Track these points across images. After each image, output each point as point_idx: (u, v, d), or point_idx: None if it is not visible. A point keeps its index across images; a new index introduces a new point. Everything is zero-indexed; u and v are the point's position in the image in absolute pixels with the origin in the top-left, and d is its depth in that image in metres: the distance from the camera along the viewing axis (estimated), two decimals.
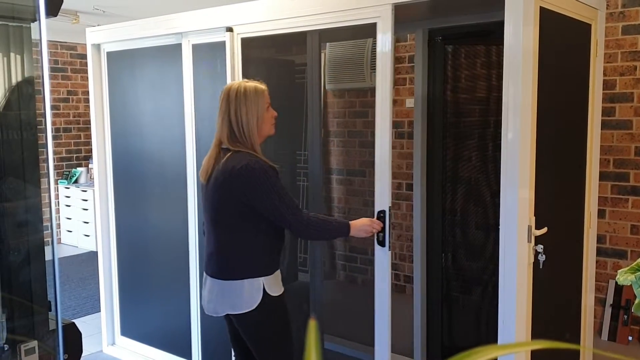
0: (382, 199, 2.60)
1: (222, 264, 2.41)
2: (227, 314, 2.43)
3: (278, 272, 2.48)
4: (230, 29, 3.03)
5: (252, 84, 2.42)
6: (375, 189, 2.63)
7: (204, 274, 2.50)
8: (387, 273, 2.62)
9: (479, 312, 3.48)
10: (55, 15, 1.92)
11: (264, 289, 2.36)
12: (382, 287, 2.64)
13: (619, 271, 1.18)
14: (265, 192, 2.32)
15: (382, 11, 2.54)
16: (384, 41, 2.56)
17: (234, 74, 3.06)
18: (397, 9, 2.52)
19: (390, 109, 2.56)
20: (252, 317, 2.36)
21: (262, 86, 2.43)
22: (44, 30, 1.73)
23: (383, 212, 2.60)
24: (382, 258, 2.62)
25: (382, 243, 2.61)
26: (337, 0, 2.66)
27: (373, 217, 2.61)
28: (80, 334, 2.06)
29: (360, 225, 2.53)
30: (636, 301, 1.13)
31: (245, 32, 3.01)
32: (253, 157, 2.34)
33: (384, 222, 2.60)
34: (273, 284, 2.42)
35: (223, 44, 3.09)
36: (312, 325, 0.52)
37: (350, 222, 2.51)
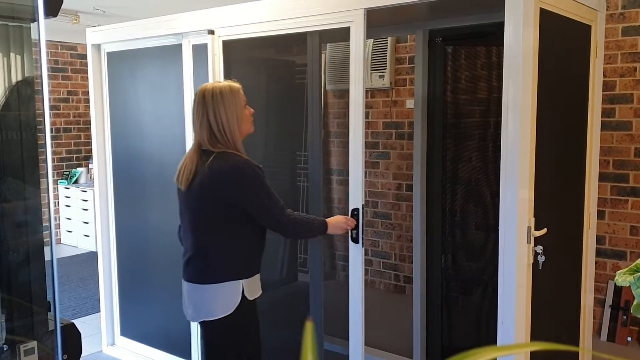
0: (355, 197, 2.69)
1: (202, 268, 2.37)
2: (195, 321, 2.42)
3: (258, 275, 2.47)
4: (211, 32, 3.10)
5: (225, 83, 2.41)
6: (349, 188, 2.72)
7: (183, 280, 2.47)
8: (360, 269, 2.71)
9: (479, 312, 3.48)
10: (55, 16, 1.92)
11: (242, 292, 2.36)
12: (355, 282, 2.74)
13: (618, 272, 1.18)
14: (256, 192, 2.32)
15: (355, 15, 2.61)
16: (357, 45, 2.63)
17: (215, 77, 3.12)
18: (396, 10, 2.53)
19: (363, 110, 2.66)
20: (226, 322, 2.34)
21: (236, 84, 2.42)
22: (42, 30, 1.73)
23: (357, 209, 2.66)
24: (356, 254, 2.71)
25: (355, 240, 2.69)
26: (312, 5, 2.74)
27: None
28: (79, 334, 2.06)
29: (336, 223, 2.60)
30: (635, 302, 1.13)
31: (227, 34, 3.09)
32: (239, 158, 2.33)
33: (357, 220, 2.66)
34: (252, 287, 2.42)
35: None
36: (309, 327, 0.52)
37: (327, 220, 2.57)
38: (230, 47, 3.16)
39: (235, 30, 3.06)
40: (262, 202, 2.33)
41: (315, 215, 2.62)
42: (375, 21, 3.42)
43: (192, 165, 2.36)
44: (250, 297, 2.40)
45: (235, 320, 2.35)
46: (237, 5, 3.04)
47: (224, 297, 2.33)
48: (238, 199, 2.32)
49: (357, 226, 2.67)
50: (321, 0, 2.72)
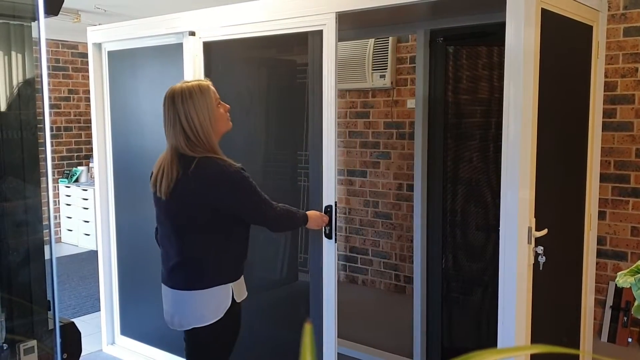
0: (329, 195, 2.80)
1: (191, 275, 2.31)
2: (183, 329, 2.38)
3: (242, 278, 2.46)
4: (192, 33, 3.19)
5: (194, 83, 2.33)
6: (322, 185, 2.82)
7: (163, 286, 2.41)
8: (334, 264, 2.84)
9: (479, 313, 3.47)
10: (56, 14, 1.92)
11: (232, 295, 2.34)
12: (329, 277, 2.85)
13: (619, 274, 1.18)
14: (247, 195, 2.30)
15: (327, 19, 2.70)
16: (329, 47, 2.72)
17: (195, 77, 3.16)
18: (397, 10, 2.52)
19: (335, 111, 2.77)
20: (214, 327, 2.30)
21: (205, 83, 2.34)
22: (43, 29, 1.73)
23: (330, 206, 2.77)
24: (330, 250, 2.83)
25: (329, 236, 2.80)
26: (287, 8, 2.84)
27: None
28: (79, 333, 2.06)
29: (315, 217, 2.66)
30: (636, 303, 1.13)
31: (207, 36, 3.18)
32: (223, 162, 2.28)
33: (330, 217, 2.76)
34: (240, 289, 2.41)
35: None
36: (307, 329, 0.52)
37: (307, 213, 2.62)
38: (218, 48, 3.19)
39: (215, 32, 3.14)
40: (253, 203, 2.33)
41: (297, 208, 2.65)
42: (376, 21, 3.42)
43: (172, 172, 2.26)
44: (238, 300, 2.38)
45: (225, 323, 2.32)
46: (218, 8, 3.12)
47: (216, 302, 2.29)
48: (228, 204, 2.29)
49: (330, 222, 2.76)
50: (295, 3, 2.81)
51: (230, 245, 2.35)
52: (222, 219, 2.31)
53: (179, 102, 2.26)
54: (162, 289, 2.42)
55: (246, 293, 2.48)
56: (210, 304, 2.29)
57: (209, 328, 2.30)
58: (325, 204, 2.80)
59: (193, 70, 3.20)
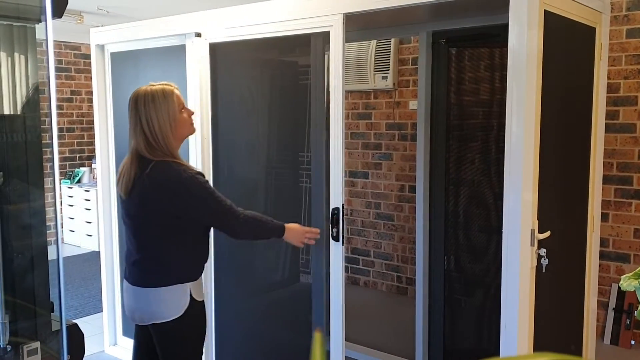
0: (336, 197, 2.76)
1: (147, 273, 2.35)
2: (144, 324, 2.40)
3: (201, 278, 2.46)
4: (198, 34, 3.18)
5: (159, 87, 2.33)
6: (330, 188, 2.77)
7: (125, 281, 2.44)
8: (341, 267, 2.78)
9: (481, 315, 3.47)
10: (60, 17, 1.93)
11: (190, 293, 2.34)
12: (336, 280, 2.81)
13: (623, 277, 1.18)
14: (202, 200, 2.29)
15: (335, 20, 2.68)
16: (337, 48, 2.69)
17: (201, 80, 3.18)
18: (399, 13, 2.52)
19: (342, 111, 2.72)
20: (177, 324, 2.31)
21: (170, 87, 2.35)
22: (50, 32, 1.73)
23: (337, 209, 2.72)
24: (336, 252, 2.78)
25: (336, 238, 2.76)
26: (294, 9, 2.83)
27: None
28: (82, 334, 2.07)
29: (295, 231, 2.56)
30: (639, 306, 1.13)
31: (213, 38, 3.16)
32: (180, 167, 2.28)
33: (337, 219, 2.70)
34: (198, 289, 2.40)
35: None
36: (318, 338, 0.52)
37: (286, 225, 2.53)
38: (223, 50, 3.19)
39: (221, 34, 3.13)
40: (210, 208, 2.31)
41: (272, 219, 2.55)
42: (379, 22, 3.42)
43: (130, 172, 2.29)
44: (198, 298, 2.38)
45: (187, 321, 2.33)
46: (224, 9, 3.10)
47: (174, 300, 2.30)
48: (182, 208, 2.28)
49: (337, 225, 2.71)
50: (303, 5, 2.79)
51: (188, 246, 2.35)
52: (180, 224, 2.32)
53: (141, 105, 2.30)
54: (123, 284, 2.46)
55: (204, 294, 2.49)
56: (168, 302, 2.31)
57: (171, 325, 2.31)
58: (332, 206, 2.76)
59: (199, 71, 3.19)
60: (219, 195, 2.33)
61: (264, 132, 3.46)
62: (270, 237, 2.54)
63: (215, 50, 3.24)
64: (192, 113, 2.43)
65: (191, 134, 2.45)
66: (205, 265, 2.49)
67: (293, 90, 3.49)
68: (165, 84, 2.36)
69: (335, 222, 2.76)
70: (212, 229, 2.51)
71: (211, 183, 3.22)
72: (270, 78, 3.51)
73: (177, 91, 2.36)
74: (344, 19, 2.67)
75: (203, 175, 2.34)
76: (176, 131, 2.33)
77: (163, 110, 2.29)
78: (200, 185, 2.28)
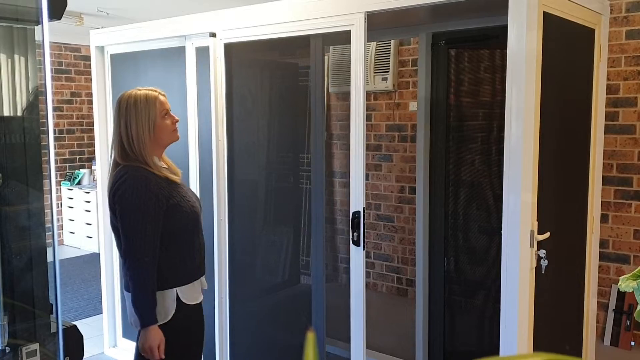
0: (357, 201, 2.70)
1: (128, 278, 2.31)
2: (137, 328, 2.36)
3: (198, 282, 2.41)
4: (213, 35, 3.12)
5: (143, 92, 2.31)
6: (350, 191, 2.72)
7: None
8: (362, 271, 2.72)
9: (481, 316, 3.47)
10: (60, 19, 1.92)
11: (178, 298, 2.29)
12: (357, 285, 2.74)
13: (621, 278, 1.18)
14: (123, 213, 2.22)
15: (356, 19, 2.63)
16: (358, 48, 2.65)
17: (216, 80, 3.13)
18: (399, 14, 2.52)
19: (364, 113, 2.66)
20: (167, 329, 2.27)
21: (154, 93, 2.32)
22: (47, 34, 1.73)
23: (358, 212, 2.67)
24: (357, 257, 2.72)
25: (357, 243, 2.70)
26: (313, 8, 2.76)
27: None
28: (81, 336, 2.06)
29: (151, 337, 2.21)
30: (638, 308, 1.13)
31: (229, 37, 3.10)
32: (136, 172, 2.24)
33: (358, 223, 2.65)
34: (189, 293, 2.34)
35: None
36: (310, 338, 0.52)
37: (151, 327, 2.21)
38: (233, 50, 3.17)
39: (237, 33, 3.08)
40: (122, 225, 2.22)
41: (154, 309, 2.26)
42: (379, 24, 3.42)
43: (109, 178, 2.34)
44: (189, 302, 2.32)
45: (177, 326, 2.28)
46: (240, 8, 3.05)
47: (159, 305, 2.25)
48: (117, 213, 2.24)
49: (358, 229, 2.66)
50: (323, 4, 2.73)
51: (166, 251, 2.28)
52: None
53: (123, 108, 2.29)
54: None
55: (201, 297, 2.42)
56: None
57: (163, 329, 2.27)
58: (353, 209, 2.71)
59: (214, 72, 3.14)
60: (145, 227, 2.20)
61: (271, 132, 3.45)
62: (137, 310, 2.23)
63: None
64: (177, 120, 2.39)
65: (173, 141, 2.40)
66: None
67: (294, 91, 3.50)
68: (151, 89, 2.34)
69: (356, 226, 2.68)
70: (192, 229, 2.41)
71: (225, 186, 3.21)
72: (271, 78, 3.51)
73: (161, 97, 2.34)
74: (365, 18, 2.60)
75: (157, 196, 2.24)
76: (155, 136, 2.30)
77: (143, 114, 2.27)
78: (130, 198, 2.20)
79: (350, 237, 2.70)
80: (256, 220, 3.43)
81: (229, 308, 3.30)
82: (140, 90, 2.32)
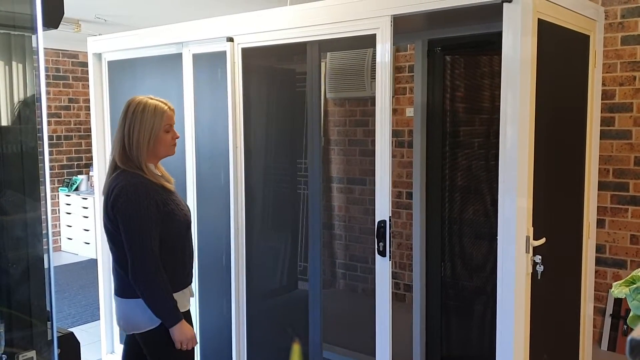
0: (382, 209, 2.59)
1: (119, 283, 2.35)
2: (127, 332, 2.41)
3: (187, 290, 2.42)
4: (230, 39, 3.05)
5: (153, 101, 2.35)
6: (375, 199, 2.61)
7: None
8: (388, 282, 2.61)
9: (478, 321, 3.47)
10: (56, 27, 1.93)
11: None
12: (382, 297, 2.64)
13: (614, 284, 1.19)
14: (125, 220, 2.23)
15: (382, 22, 2.54)
16: (384, 52, 2.56)
17: (234, 84, 3.07)
18: (396, 21, 2.54)
19: (390, 118, 2.56)
20: (156, 335, 2.30)
21: (164, 106, 2.36)
22: (41, 44, 1.74)
23: (384, 222, 2.57)
24: (383, 268, 2.61)
25: (382, 253, 2.59)
26: (337, 11, 2.68)
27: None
28: (78, 343, 2.06)
29: (185, 332, 2.29)
30: (631, 314, 1.14)
31: (246, 42, 3.03)
32: (133, 179, 2.27)
33: (384, 233, 2.56)
34: (179, 300, 2.35)
35: (224, 53, 3.11)
36: (296, 350, 0.52)
37: (182, 321, 2.29)
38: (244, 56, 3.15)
39: (254, 38, 3.00)
40: (127, 233, 2.23)
41: (175, 305, 2.31)
42: None
43: (106, 182, 2.36)
44: (180, 309, 2.32)
45: (168, 332, 2.29)
46: (258, 12, 2.98)
47: (145, 311, 2.27)
48: (117, 221, 2.25)
49: (384, 239, 2.57)
50: (347, 6, 2.65)
51: (159, 258, 2.28)
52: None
53: (130, 112, 2.33)
54: None
55: (188, 306, 2.43)
56: (140, 314, 2.29)
57: (151, 334, 2.30)
58: (378, 219, 2.60)
59: (231, 77, 3.08)
60: (148, 230, 2.23)
61: (268, 137, 3.46)
62: (160, 315, 2.28)
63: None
64: (177, 137, 2.43)
65: (169, 155, 2.43)
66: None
67: (291, 96, 3.51)
68: (162, 101, 2.38)
69: (381, 236, 2.59)
70: (184, 237, 2.42)
71: (242, 194, 3.13)
72: (270, 84, 3.53)
73: (169, 112, 2.38)
74: (391, 21, 2.52)
75: (156, 202, 2.27)
76: (153, 147, 2.34)
77: (148, 123, 2.31)
78: (133, 204, 2.22)
79: (376, 247, 2.60)
80: (264, 227, 3.43)
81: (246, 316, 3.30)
82: (152, 99, 2.37)
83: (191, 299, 2.51)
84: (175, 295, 2.33)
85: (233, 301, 3.21)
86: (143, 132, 2.31)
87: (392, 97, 2.62)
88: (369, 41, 2.62)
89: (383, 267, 2.61)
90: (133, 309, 2.32)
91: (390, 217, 2.58)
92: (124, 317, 2.38)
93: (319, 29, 2.75)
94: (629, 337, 0.65)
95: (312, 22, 2.76)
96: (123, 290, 2.35)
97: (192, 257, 2.50)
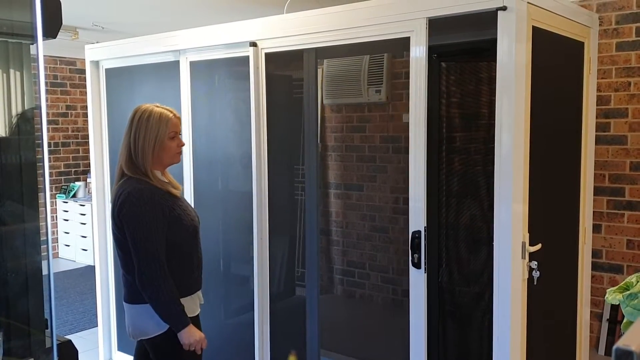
0: (417, 219, 2.51)
1: (128, 289, 2.37)
2: (135, 338, 2.43)
3: (196, 295, 2.44)
4: (254, 44, 2.97)
5: (159, 109, 2.38)
6: (409, 209, 2.52)
7: None
8: (423, 296, 2.54)
9: (477, 327, 3.48)
10: (55, 37, 1.95)
11: None
12: (417, 311, 2.57)
13: (608, 290, 1.20)
14: (131, 226, 2.25)
15: (416, 25, 2.46)
16: (418, 56, 2.49)
17: (258, 90, 3.00)
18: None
19: (425, 125, 2.49)
20: (164, 341, 2.31)
21: (170, 113, 2.38)
22: (41, 54, 1.75)
23: (418, 232, 2.48)
24: (418, 280, 2.54)
25: (417, 265, 2.50)
26: (368, 14, 2.58)
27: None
28: (76, 351, 2.07)
29: (194, 334, 2.30)
30: (625, 320, 1.15)
31: (269, 47, 2.95)
32: (139, 185, 2.29)
33: (419, 244, 2.48)
34: (188, 305, 2.36)
35: (220, 61, 3.12)
36: None
37: (190, 325, 2.30)
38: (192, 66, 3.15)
39: (279, 43, 2.91)
40: (133, 239, 2.25)
41: (183, 310, 2.32)
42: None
43: (113, 189, 2.39)
44: (187, 315, 2.33)
45: (174, 337, 2.30)
46: (283, 16, 2.90)
47: (154, 317, 2.28)
48: (124, 227, 2.27)
49: (419, 250, 2.49)
50: (378, 9, 2.55)
51: (167, 263, 2.30)
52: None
53: (137, 119, 2.36)
54: None
55: (199, 310, 2.45)
56: (148, 319, 2.31)
57: (158, 340, 2.32)
58: (412, 229, 2.52)
59: (255, 83, 2.99)
60: (154, 235, 2.25)
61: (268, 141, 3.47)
62: (167, 320, 2.29)
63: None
64: (182, 144, 2.46)
65: (174, 163, 2.45)
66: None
67: (288, 103, 3.51)
68: (168, 109, 2.41)
69: (416, 247, 2.51)
70: (191, 243, 2.43)
71: (266, 201, 3.03)
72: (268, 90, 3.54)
73: (175, 119, 2.40)
74: (427, 24, 2.44)
75: (162, 208, 2.29)
76: (158, 155, 2.36)
77: (153, 130, 2.34)
78: (139, 210, 2.24)
79: (410, 259, 2.49)
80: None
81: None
82: (157, 107, 2.40)
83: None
84: (184, 300, 2.34)
85: (256, 310, 3.20)
86: (148, 139, 2.33)
87: (426, 103, 2.50)
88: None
89: (418, 280, 2.53)
90: (141, 314, 2.33)
91: (425, 227, 2.47)
92: (132, 322, 2.39)
93: (348, 33, 2.66)
94: (614, 346, 0.66)
95: (341, 25, 2.66)
96: (131, 296, 2.37)
97: (201, 263, 2.51)
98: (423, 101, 2.49)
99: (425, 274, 2.49)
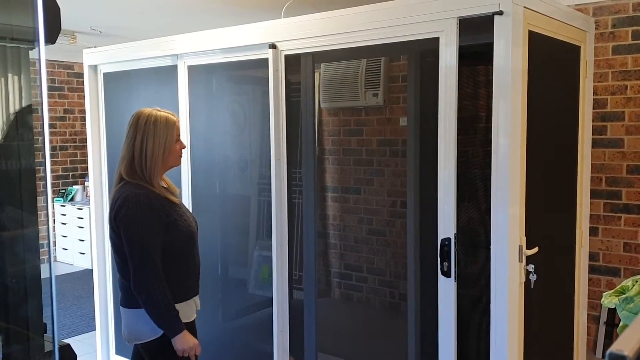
0: (447, 226, 2.43)
1: (125, 293, 2.37)
2: (130, 342, 2.43)
3: (192, 301, 2.44)
4: (273, 46, 2.90)
5: (163, 113, 2.38)
6: (438, 215, 2.46)
7: None
8: (453, 305, 2.48)
9: (475, 331, 3.48)
10: (53, 43, 1.95)
11: None
12: (447, 319, 2.51)
13: (604, 294, 1.21)
14: (126, 230, 2.24)
15: (446, 26, 2.39)
16: (447, 57, 2.43)
17: (277, 94, 2.96)
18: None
19: (455, 128, 2.42)
20: (158, 346, 2.31)
21: (174, 117, 2.39)
22: (43, 60, 1.76)
23: (448, 239, 2.43)
24: (447, 289, 2.48)
25: (447, 273, 2.46)
26: (396, 14, 2.52)
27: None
28: (75, 355, 2.07)
29: (185, 342, 2.29)
30: (621, 324, 1.16)
31: (289, 48, 2.89)
32: (136, 190, 2.28)
33: (448, 252, 2.42)
34: (184, 311, 2.36)
35: (217, 65, 3.13)
36: None
37: (184, 332, 2.29)
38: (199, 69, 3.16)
39: (300, 44, 2.86)
40: (128, 243, 2.24)
41: (178, 316, 2.31)
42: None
43: (111, 193, 2.38)
44: (183, 320, 2.33)
45: (169, 343, 2.30)
46: (303, 17, 2.83)
47: (148, 322, 2.28)
48: (120, 232, 2.27)
49: (448, 258, 2.43)
50: (405, 8, 2.48)
51: (163, 268, 2.30)
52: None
53: (142, 125, 2.33)
54: None
55: (194, 315, 2.45)
56: (143, 324, 2.30)
57: (153, 345, 2.32)
58: (441, 236, 2.44)
59: (274, 87, 2.96)
60: (150, 240, 2.25)
61: (266, 145, 3.47)
62: (162, 326, 2.29)
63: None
64: (184, 147, 2.47)
65: (176, 165, 2.46)
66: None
67: (288, 106, 3.52)
68: (170, 113, 2.41)
69: (445, 255, 2.43)
70: (188, 248, 2.43)
71: (285, 206, 3.02)
72: (264, 93, 3.54)
73: (178, 123, 2.43)
74: (457, 24, 2.36)
75: (159, 213, 2.28)
76: (167, 159, 2.37)
77: (162, 135, 2.34)
78: (134, 215, 2.24)
79: (439, 267, 2.43)
80: (259, 236, 3.44)
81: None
82: (159, 111, 2.39)
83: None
84: (179, 306, 2.34)
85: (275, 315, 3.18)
86: (157, 144, 2.32)
87: (456, 106, 2.44)
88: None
89: (448, 289, 2.47)
90: (136, 319, 2.33)
91: (455, 234, 2.41)
92: (128, 327, 2.38)
93: (375, 33, 2.59)
94: (608, 351, 0.66)
95: (369, 25, 2.59)
96: (127, 300, 2.37)
97: (199, 268, 2.49)
98: (454, 103, 2.42)
99: (456, 282, 2.42)
